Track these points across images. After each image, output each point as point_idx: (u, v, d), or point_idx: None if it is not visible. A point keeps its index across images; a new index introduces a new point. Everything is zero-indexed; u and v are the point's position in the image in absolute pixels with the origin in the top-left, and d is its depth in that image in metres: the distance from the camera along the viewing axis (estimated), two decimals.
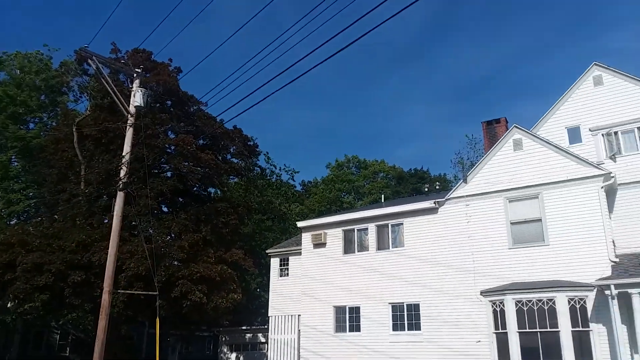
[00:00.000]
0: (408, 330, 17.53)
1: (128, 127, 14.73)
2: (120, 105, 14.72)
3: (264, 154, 46.49)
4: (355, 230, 19.82)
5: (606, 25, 77.99)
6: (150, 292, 16.87)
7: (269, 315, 23.24)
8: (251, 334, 28.36)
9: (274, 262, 23.59)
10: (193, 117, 26.35)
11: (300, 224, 21.76)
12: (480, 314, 16.04)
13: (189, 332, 31.87)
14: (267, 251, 25.01)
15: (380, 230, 19.26)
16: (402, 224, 18.73)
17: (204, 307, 21.83)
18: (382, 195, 30.17)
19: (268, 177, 45.87)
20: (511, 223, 16.35)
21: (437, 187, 25.88)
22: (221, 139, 27.27)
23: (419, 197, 23.98)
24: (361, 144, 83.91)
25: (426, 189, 24.52)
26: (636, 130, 16.18)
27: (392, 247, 18.74)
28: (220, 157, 27.31)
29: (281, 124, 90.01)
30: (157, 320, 15.25)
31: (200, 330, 34.50)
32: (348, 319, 18.88)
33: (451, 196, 17.83)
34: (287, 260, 23.18)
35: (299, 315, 20.86)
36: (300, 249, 21.24)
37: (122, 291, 19.07)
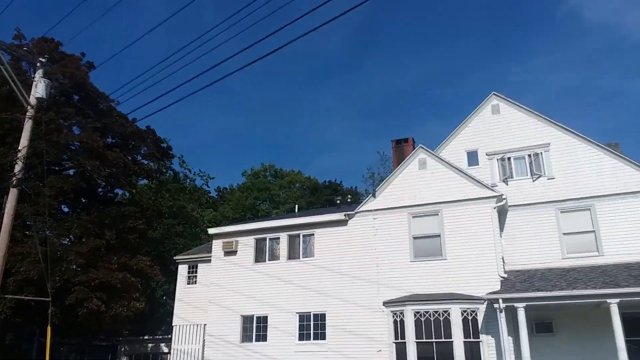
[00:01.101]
0: (314, 339, 17.82)
1: (27, 119, 13.71)
2: (20, 95, 13.68)
3: (179, 157, 45.18)
4: (268, 239, 19.87)
5: (510, 59, 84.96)
6: (42, 298, 15.75)
7: (173, 324, 22.52)
8: (153, 344, 27.23)
9: (182, 269, 22.97)
10: (102, 114, 25.08)
11: (211, 230, 21.41)
12: (383, 324, 16.70)
13: (85, 341, 29.96)
14: (175, 258, 24.28)
15: (292, 240, 19.48)
16: (313, 234, 19.09)
17: (103, 315, 20.72)
18: (296, 206, 30.49)
19: (181, 182, 44.60)
20: (413, 237, 17.27)
21: (349, 200, 26.66)
22: (132, 138, 26.21)
23: (331, 208, 24.58)
24: (279, 153, 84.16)
25: (338, 202, 25.17)
26: (526, 157, 17.81)
27: (303, 257, 19.02)
28: (130, 158, 26.20)
29: (199, 127, 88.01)
30: (49, 328, 14.28)
31: (97, 340, 32.55)
32: (255, 328, 18.82)
33: (360, 209, 18.49)
34: (196, 267, 22.67)
35: (204, 324, 20.45)
36: (210, 257, 20.88)
37: (11, 296, 17.61)
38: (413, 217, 17.49)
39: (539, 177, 17.39)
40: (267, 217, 39.36)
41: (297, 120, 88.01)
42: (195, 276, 22.52)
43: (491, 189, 16.76)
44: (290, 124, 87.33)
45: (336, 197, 30.82)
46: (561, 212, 16.77)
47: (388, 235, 17.65)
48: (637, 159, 16.38)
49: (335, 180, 49.93)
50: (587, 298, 13.53)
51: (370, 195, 18.70)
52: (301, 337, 18.02)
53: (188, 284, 22.68)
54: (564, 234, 16.56)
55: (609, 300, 13.22)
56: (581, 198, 16.61)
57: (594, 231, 16.21)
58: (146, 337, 27.88)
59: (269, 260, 19.59)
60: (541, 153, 17.59)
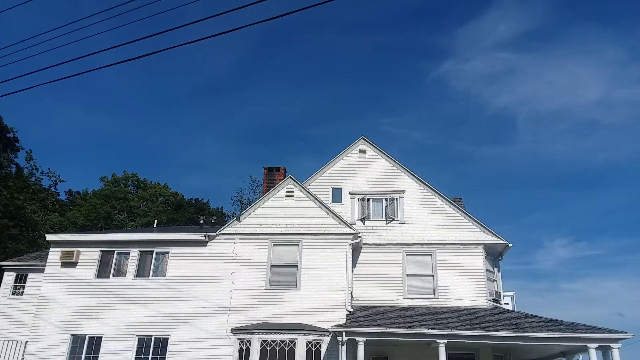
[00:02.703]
0: None
1: None
2: None
3: (27, 152, 40.53)
4: (115, 253, 18.44)
5: (383, 110, 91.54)
6: None
7: None
8: None
9: (8, 277, 20.24)
10: None
11: (50, 237, 19.25)
12: (229, 352, 16.30)
13: None
14: (1, 263, 21.34)
15: (144, 256, 18.32)
16: (168, 252, 18.17)
17: None
18: (156, 220, 28.92)
19: (25, 179, 39.82)
20: (272, 265, 17.34)
21: (213, 221, 26.06)
22: None
23: (192, 227, 23.74)
24: (145, 163, 79.72)
25: (202, 221, 24.40)
26: (384, 200, 19.12)
27: (153, 276, 17.95)
28: None
29: (58, 123, 79.97)
30: None
31: None
32: (86, 350, 17.09)
33: (222, 232, 18.12)
34: (26, 276, 20.18)
35: (26, 341, 18.09)
36: (45, 266, 18.71)
37: None
38: (274, 245, 17.60)
39: (392, 221, 18.73)
40: (120, 228, 36.70)
41: (171, 132, 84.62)
42: (24, 286, 20.00)
43: (349, 227, 17.58)
44: (162, 134, 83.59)
45: (200, 217, 29.86)
46: (407, 254, 18.18)
47: (247, 261, 17.49)
48: (476, 215, 18.51)
49: (202, 199, 48.52)
50: (421, 337, 14.67)
51: (235, 218, 18.46)
52: None
53: (13, 294, 20.03)
54: (407, 275, 17.93)
55: (438, 340, 14.46)
56: (425, 244, 18.20)
57: (432, 275, 17.80)
58: None
59: (114, 276, 18.15)
60: (397, 198, 19.02)
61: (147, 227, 33.56)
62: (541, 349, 16.21)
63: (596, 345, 14.02)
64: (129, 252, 18.37)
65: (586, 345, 14.08)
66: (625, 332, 13.96)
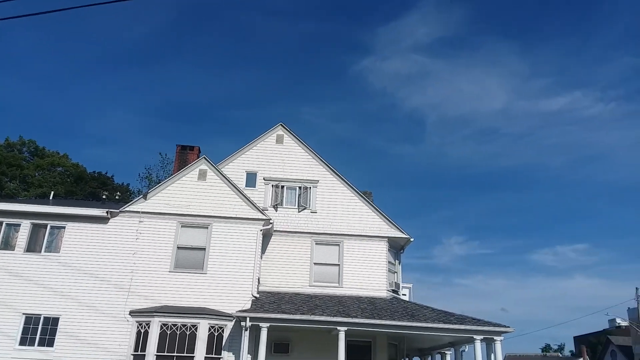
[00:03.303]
0: (39, 345, 15.62)
1: None
2: None
3: None
4: (4, 225, 16.93)
5: (305, 100, 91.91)
6: None
7: None
8: None
9: None
10: None
11: None
12: (126, 335, 15.66)
13: None
14: None
15: (37, 230, 16.99)
16: (64, 227, 16.99)
17: None
18: (52, 192, 26.87)
19: None
20: (178, 247, 16.85)
21: (117, 197, 24.71)
22: None
23: (94, 202, 22.33)
24: (45, 130, 73.68)
25: (104, 196, 23.07)
26: (297, 188, 19.28)
27: (46, 252, 16.71)
28: None
29: None
30: None
31: None
32: None
33: (126, 209, 17.27)
34: None
35: None
36: None
37: None
38: (182, 226, 17.10)
39: (304, 209, 18.96)
40: (10, 198, 33.69)
41: (77, 100, 78.78)
42: None
43: (262, 212, 17.54)
44: (67, 101, 77.59)
45: (103, 192, 28.17)
46: (316, 243, 18.54)
47: (151, 242, 16.84)
48: (383, 209, 19.27)
49: (107, 174, 45.74)
50: (322, 324, 15.07)
51: (141, 196, 17.67)
52: (24, 342, 15.63)
53: None
54: (314, 263, 18.29)
55: (339, 328, 14.95)
56: (334, 234, 18.66)
57: (339, 265, 18.32)
58: None
59: (1, 249, 16.67)
60: (310, 188, 19.27)
61: (41, 199, 31.09)
62: (432, 339, 17.34)
63: (481, 337, 15.26)
64: (20, 225, 16.94)
65: (473, 337, 15.28)
66: (507, 327, 15.34)
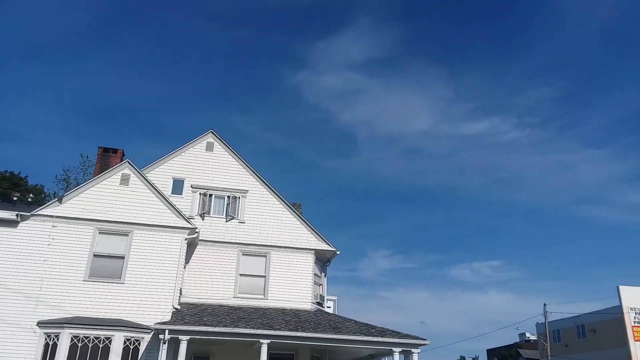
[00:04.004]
0: None
1: None
2: None
3: None
4: None
5: (238, 108, 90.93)
6: None
7: None
8: None
9: None
10: None
11: None
12: (34, 347, 14.53)
13: None
14: None
15: None
16: None
17: None
18: None
19: None
20: (94, 255, 15.95)
21: (30, 199, 23.06)
22: None
23: (3, 204, 20.67)
24: None
25: (15, 198, 21.44)
26: (226, 197, 18.96)
27: None
28: None
29: None
30: None
31: None
32: None
33: (39, 212, 16.14)
34: None
35: None
36: None
37: None
38: (100, 232, 16.23)
39: (232, 219, 18.66)
40: None
41: None
42: None
43: (187, 221, 17.03)
44: None
45: (14, 193, 26.19)
46: (243, 254, 18.29)
47: (65, 248, 15.82)
48: (311, 221, 19.38)
49: (19, 174, 42.56)
50: (245, 337, 14.78)
51: (57, 199, 16.59)
52: None
53: None
54: (240, 274, 18.02)
55: (261, 340, 14.73)
56: (262, 245, 18.50)
57: (265, 276, 18.17)
58: None
59: None
60: (239, 197, 19.02)
61: None
62: (353, 351, 17.54)
63: (400, 349, 15.64)
64: None
65: (392, 349, 15.64)
66: (425, 339, 15.84)
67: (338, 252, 19.42)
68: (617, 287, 39.11)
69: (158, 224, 16.62)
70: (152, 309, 15.57)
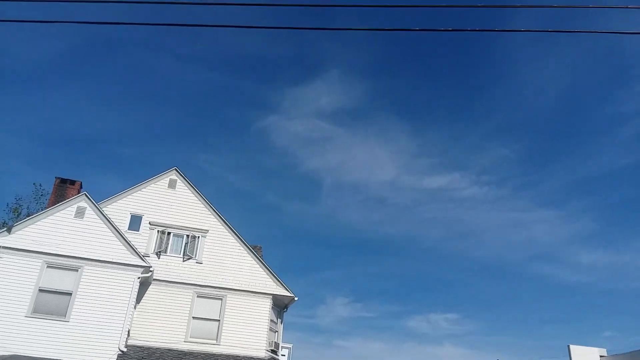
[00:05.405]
0: None
1: None
2: None
3: None
4: None
5: (204, 147, 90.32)
6: None
7: None
8: None
9: None
10: None
11: None
12: None
13: None
14: None
15: None
16: None
17: None
18: None
19: None
20: (40, 290, 15.15)
21: None
22: None
23: None
24: None
25: None
26: (185, 237, 18.52)
27: None
28: None
29: None
30: None
31: None
32: None
33: None
34: None
35: None
36: None
37: None
38: (48, 266, 15.48)
39: (189, 259, 18.18)
40: None
41: None
42: None
43: (142, 259, 16.49)
44: None
45: None
46: (198, 296, 17.70)
47: (9, 280, 14.98)
48: (272, 265, 19.07)
49: None
50: None
51: (5, 229, 15.83)
52: None
53: None
54: (194, 317, 17.37)
55: None
56: (219, 287, 18.00)
57: (219, 320, 17.56)
58: None
59: None
60: (199, 237, 18.61)
61: None
62: None
63: None
64: None
65: None
66: None
67: (296, 298, 19.09)
68: (568, 345, 39.76)
69: (111, 260, 16.03)
70: (97, 350, 14.78)
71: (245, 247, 19.09)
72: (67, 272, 15.60)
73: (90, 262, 15.82)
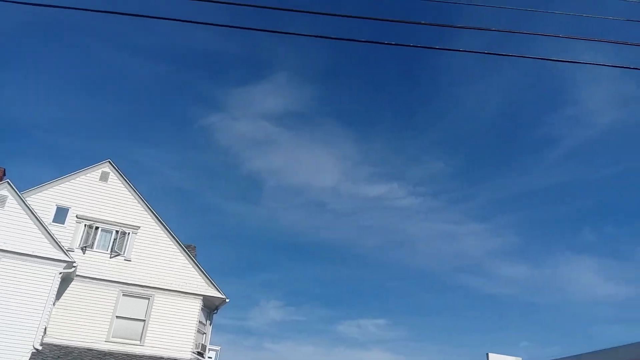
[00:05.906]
0: None
1: None
2: None
3: None
4: None
5: (141, 140, 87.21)
6: None
7: None
8: None
9: None
10: None
11: None
12: None
13: None
14: None
15: None
16: None
17: None
18: None
19: None
20: None
21: None
22: None
23: None
24: None
25: None
26: (114, 232, 17.79)
27: None
28: None
29: None
30: None
31: None
32: None
33: None
34: None
35: None
36: None
37: None
38: None
39: (117, 256, 17.49)
40: None
41: None
42: None
43: (65, 253, 15.68)
44: None
45: None
46: (123, 295, 17.06)
47: None
48: (205, 266, 18.67)
49: None
50: None
51: None
52: None
53: None
54: (117, 316, 16.72)
55: None
56: (147, 286, 17.42)
57: (144, 320, 16.99)
58: None
59: None
60: (129, 233, 17.95)
61: None
62: None
63: None
64: None
65: None
66: None
67: (227, 300, 18.81)
68: (487, 354, 41.75)
69: (31, 253, 15.13)
70: (9, 348, 13.90)
71: (179, 246, 18.61)
72: None
73: (7, 254, 14.86)
